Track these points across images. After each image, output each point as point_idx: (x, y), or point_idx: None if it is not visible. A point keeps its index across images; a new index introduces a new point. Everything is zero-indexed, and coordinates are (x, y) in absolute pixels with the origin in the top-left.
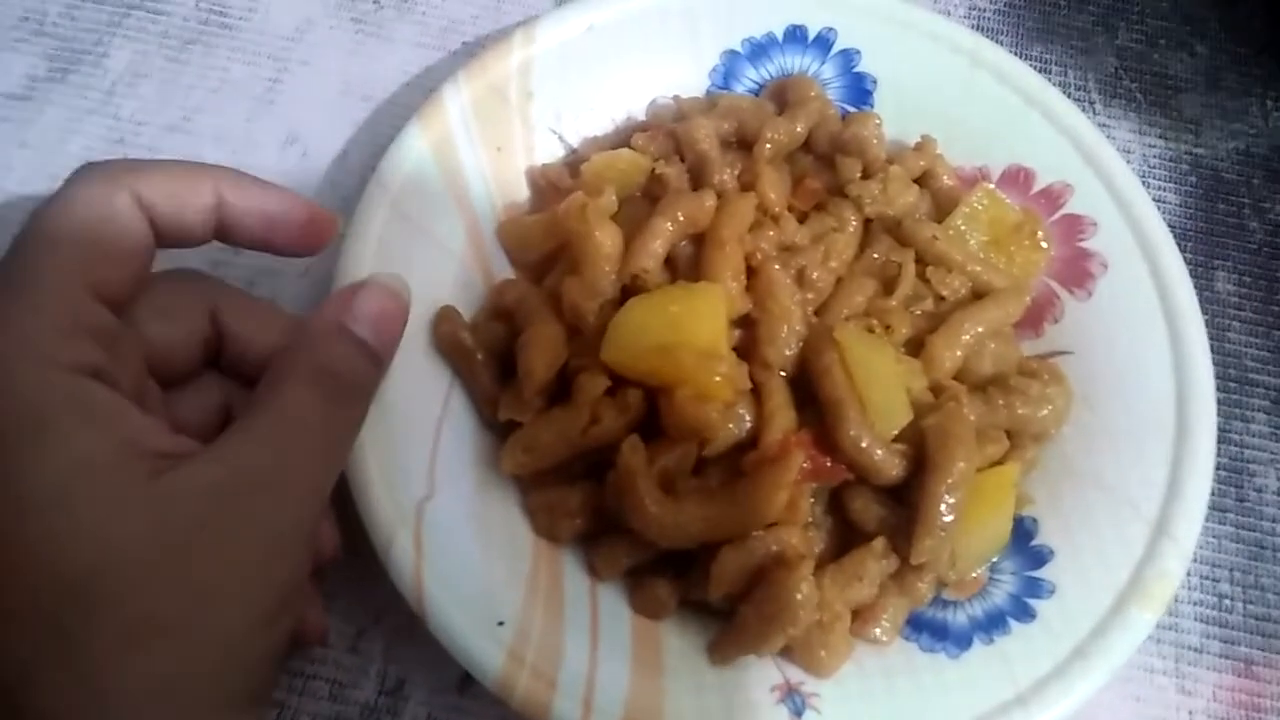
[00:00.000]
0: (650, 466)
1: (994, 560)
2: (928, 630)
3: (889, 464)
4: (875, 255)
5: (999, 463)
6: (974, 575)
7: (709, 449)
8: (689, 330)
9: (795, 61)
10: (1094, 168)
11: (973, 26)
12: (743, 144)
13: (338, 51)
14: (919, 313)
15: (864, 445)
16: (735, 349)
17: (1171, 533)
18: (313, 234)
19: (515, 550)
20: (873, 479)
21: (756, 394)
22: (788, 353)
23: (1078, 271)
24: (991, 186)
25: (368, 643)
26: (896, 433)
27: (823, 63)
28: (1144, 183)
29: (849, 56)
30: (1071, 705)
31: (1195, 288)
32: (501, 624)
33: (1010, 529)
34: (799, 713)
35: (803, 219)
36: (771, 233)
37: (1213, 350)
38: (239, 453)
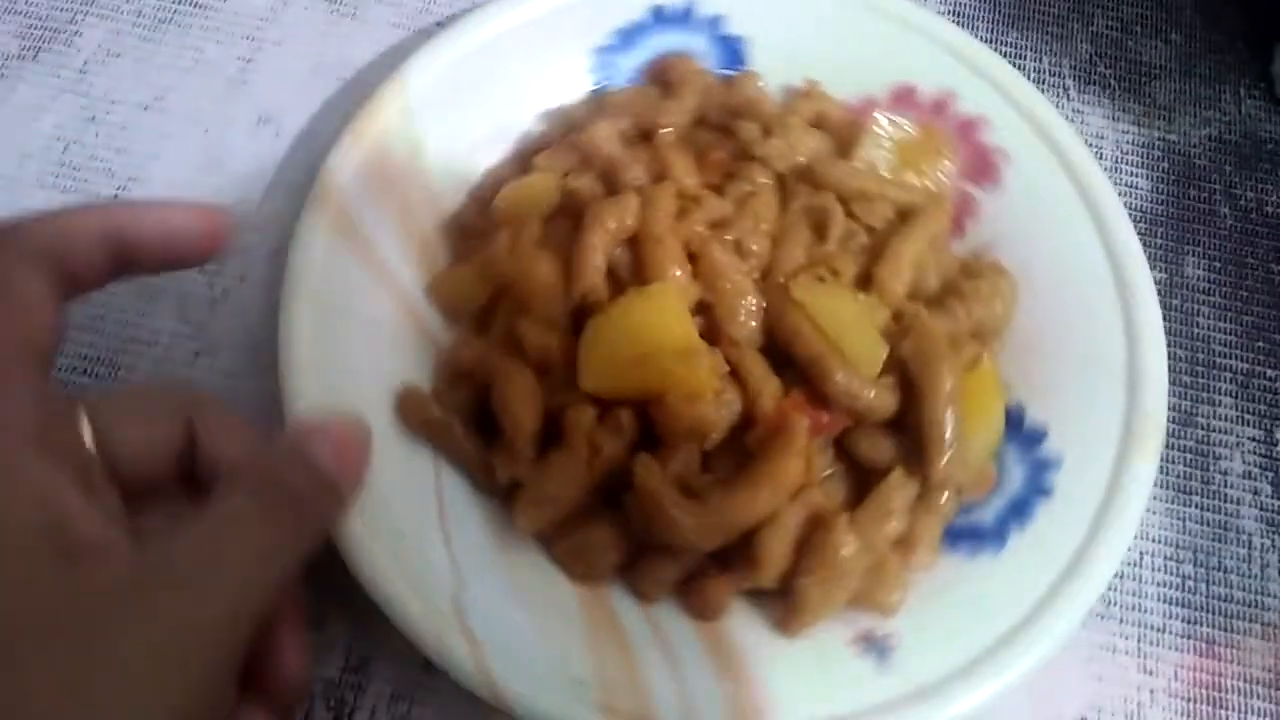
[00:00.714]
0: (666, 478)
1: (996, 450)
2: (965, 539)
3: (883, 401)
4: (798, 207)
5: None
6: (985, 472)
7: (709, 442)
8: (658, 335)
9: (666, 40)
10: (974, 70)
11: (948, 12)
12: (642, 136)
13: (312, 32)
14: (856, 249)
15: (855, 390)
16: (701, 336)
17: (1143, 374)
18: (216, 242)
19: (562, 605)
20: (871, 419)
21: (734, 373)
22: (753, 325)
23: (983, 166)
24: (883, 114)
25: (334, 621)
26: (880, 368)
27: (691, 35)
28: (1116, 169)
29: (715, 23)
30: (1111, 567)
31: (1165, 272)
32: (583, 684)
33: (1004, 419)
34: (885, 655)
35: (718, 192)
36: (698, 214)
37: (1181, 334)
38: (162, 548)
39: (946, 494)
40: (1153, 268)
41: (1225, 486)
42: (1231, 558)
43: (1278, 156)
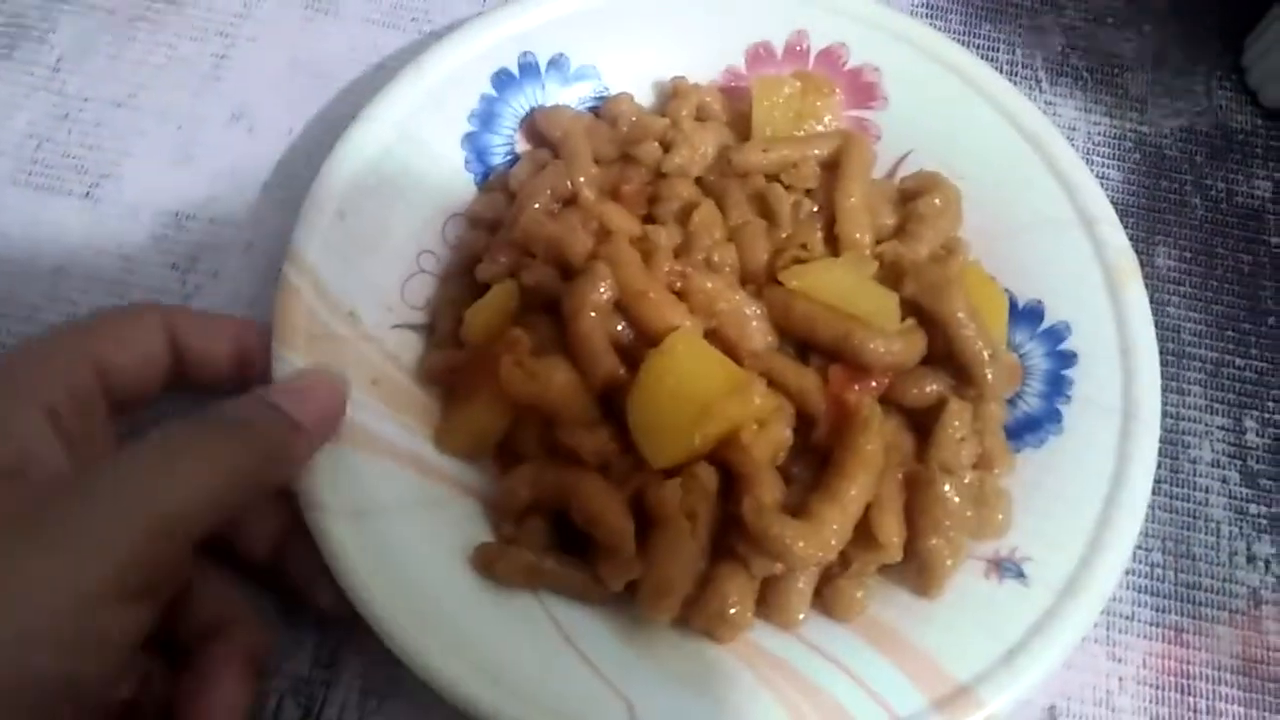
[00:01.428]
0: (780, 514)
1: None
2: (1026, 432)
3: (916, 344)
4: (736, 201)
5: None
6: (1012, 364)
7: (779, 459)
8: (704, 383)
9: (523, 100)
10: (822, 8)
11: (921, 4)
12: (564, 202)
13: (286, 28)
14: (807, 218)
15: (889, 348)
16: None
17: (1093, 213)
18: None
19: (728, 672)
20: (910, 365)
21: (771, 383)
22: (766, 333)
23: (863, 90)
24: (758, 79)
25: (303, 618)
26: (902, 318)
27: (544, 86)
28: (1088, 160)
29: (560, 63)
30: (1154, 383)
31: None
32: None
33: (1004, 299)
34: (1021, 574)
35: (651, 220)
36: (660, 253)
37: (1153, 324)
38: (98, 467)
39: (996, 400)
40: None
41: (1194, 475)
42: (1200, 545)
43: (1248, 147)
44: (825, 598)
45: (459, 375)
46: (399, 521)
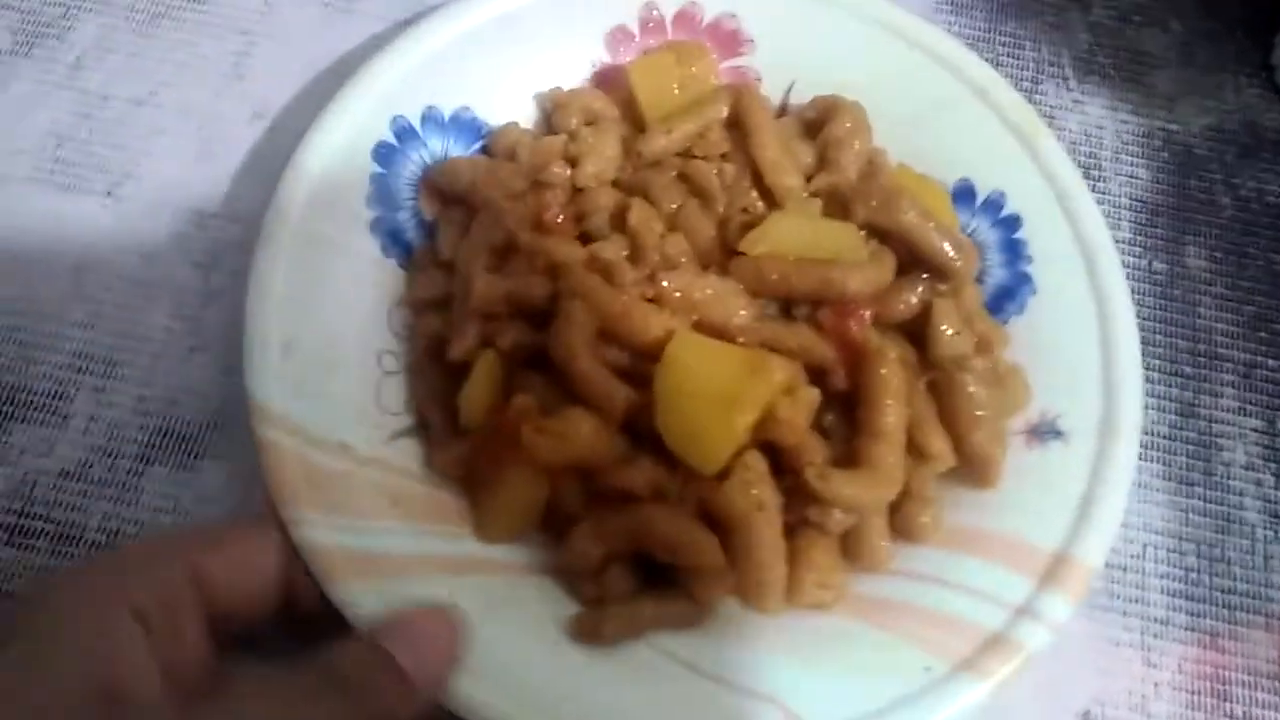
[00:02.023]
0: (841, 472)
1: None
2: (1005, 302)
3: (887, 266)
4: (661, 190)
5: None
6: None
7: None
8: (721, 378)
9: (410, 168)
10: None
11: (945, 3)
12: (500, 252)
13: (306, 26)
14: (735, 183)
15: (868, 278)
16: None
17: (992, 89)
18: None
19: (840, 634)
20: (888, 284)
21: (774, 350)
22: (744, 311)
23: (728, 39)
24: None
25: None
26: (865, 242)
27: (426, 144)
28: (1116, 159)
29: (434, 117)
30: (1107, 238)
31: (1166, 263)
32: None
33: (943, 189)
34: (1059, 432)
35: (587, 238)
36: (616, 267)
37: (1182, 325)
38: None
39: (969, 288)
40: (1153, 258)
41: (1228, 478)
42: (1235, 549)
43: (1278, 146)
44: (897, 526)
45: (476, 463)
46: (483, 628)
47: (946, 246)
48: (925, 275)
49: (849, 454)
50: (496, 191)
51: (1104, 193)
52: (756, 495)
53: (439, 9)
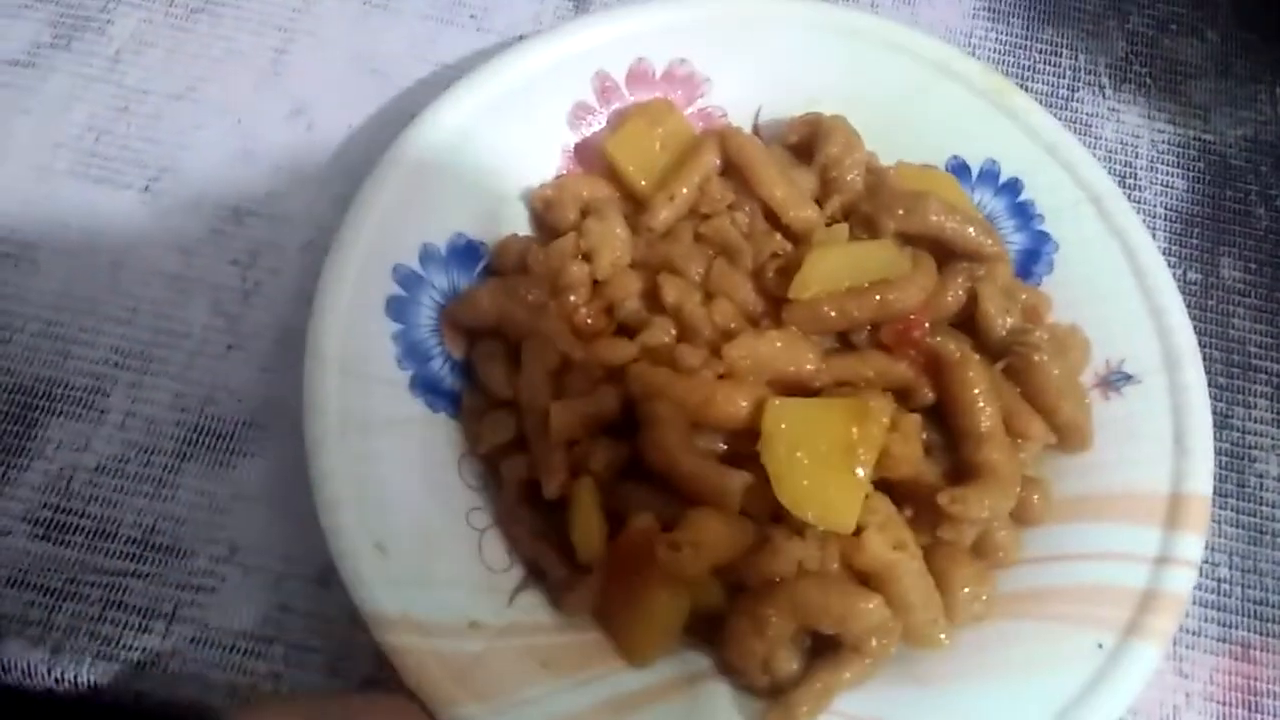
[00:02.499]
0: (967, 490)
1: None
2: (1032, 264)
3: (931, 271)
4: (686, 260)
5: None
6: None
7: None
8: (828, 435)
9: (423, 313)
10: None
11: (984, 8)
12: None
13: (344, 23)
14: (755, 230)
15: (919, 289)
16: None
17: (953, 61)
18: None
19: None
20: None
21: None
22: (811, 355)
23: (686, 85)
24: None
25: None
26: (902, 252)
27: (433, 284)
28: (1152, 168)
29: (431, 254)
30: (1096, 166)
31: (1200, 273)
32: None
33: (950, 176)
34: (1129, 376)
35: (624, 329)
36: (680, 353)
37: (1216, 336)
38: None
39: (1002, 267)
40: (1188, 268)
41: (1261, 489)
42: (1267, 561)
43: None
44: (1015, 514)
45: (611, 594)
46: None
47: (975, 233)
48: (962, 265)
49: (959, 464)
50: (525, 312)
51: (1139, 202)
52: (895, 538)
53: (392, 147)
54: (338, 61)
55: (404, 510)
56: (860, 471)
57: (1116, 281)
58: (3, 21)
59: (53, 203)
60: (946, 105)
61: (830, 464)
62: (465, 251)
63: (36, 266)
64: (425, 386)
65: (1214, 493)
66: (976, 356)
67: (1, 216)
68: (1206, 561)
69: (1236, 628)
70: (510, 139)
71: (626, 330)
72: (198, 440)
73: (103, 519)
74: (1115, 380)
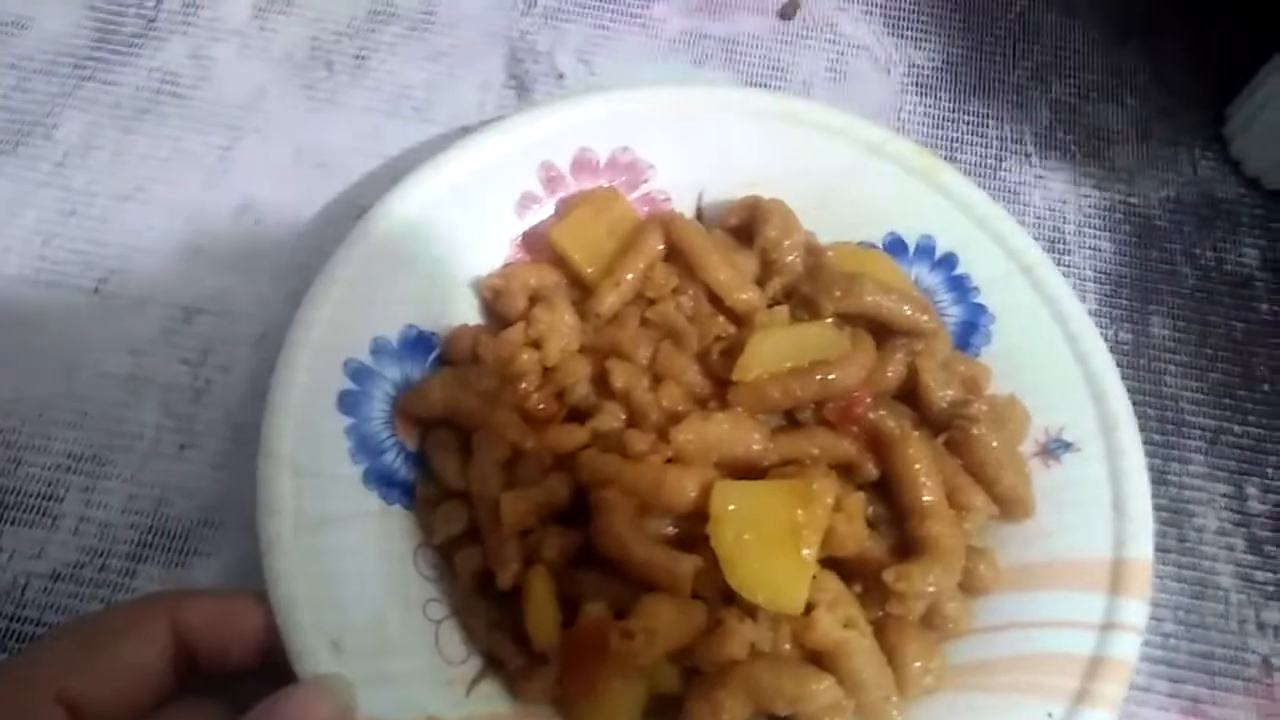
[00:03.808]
0: (911, 565)
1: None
2: (970, 336)
3: (870, 349)
4: (637, 345)
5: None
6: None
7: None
8: (774, 516)
9: (376, 406)
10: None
11: (911, 84)
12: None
13: (289, 118)
14: (698, 313)
15: (859, 367)
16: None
17: (889, 142)
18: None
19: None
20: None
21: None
22: (757, 435)
23: (629, 171)
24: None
25: None
26: (842, 332)
27: (384, 376)
28: (1080, 232)
29: (384, 346)
30: (1024, 236)
31: (1131, 333)
32: None
33: (882, 255)
34: (1067, 444)
35: (575, 414)
36: (629, 437)
37: (1149, 394)
38: None
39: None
40: (1119, 328)
41: (1200, 543)
42: (1211, 614)
43: (1235, 216)
44: (961, 584)
45: (567, 682)
46: None
47: (911, 311)
48: (900, 341)
49: (904, 538)
50: (477, 402)
51: (1069, 265)
52: (845, 615)
53: (344, 242)
54: (284, 157)
55: (360, 605)
56: (807, 552)
57: (1051, 349)
58: None
59: (3, 306)
60: (882, 184)
61: (777, 546)
62: (417, 342)
63: None
64: (379, 480)
65: (1155, 549)
66: (917, 433)
67: None
68: (1152, 618)
69: (1185, 682)
70: (459, 229)
71: (578, 415)
72: (152, 542)
73: (57, 628)
74: (1054, 448)
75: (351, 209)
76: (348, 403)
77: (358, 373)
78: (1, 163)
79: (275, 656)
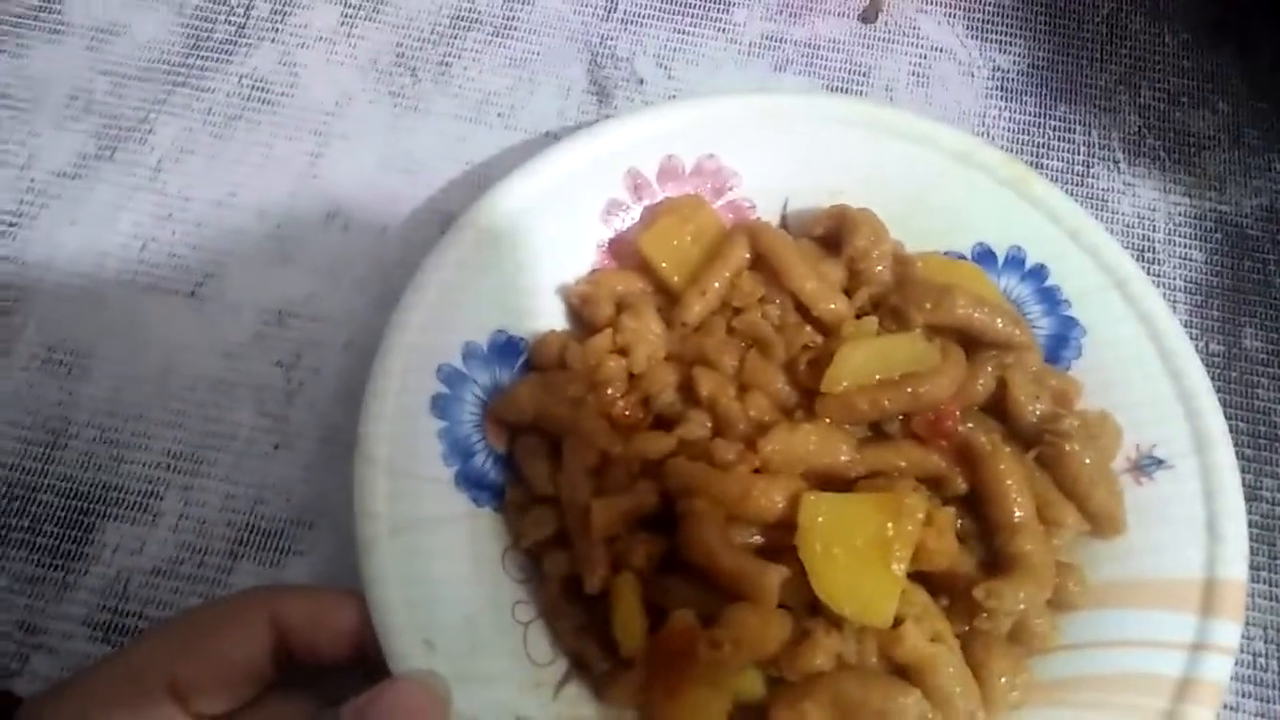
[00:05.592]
0: (1001, 582)
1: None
2: (1060, 350)
3: (959, 362)
4: (718, 353)
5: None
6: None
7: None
8: (863, 528)
9: (466, 410)
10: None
11: (996, 88)
12: (597, 471)
13: (377, 125)
14: (785, 323)
15: (949, 380)
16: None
17: (976, 152)
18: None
19: None
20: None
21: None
22: (845, 446)
23: (715, 178)
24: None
25: None
26: (931, 344)
27: (475, 381)
28: (1170, 241)
29: (474, 351)
30: (1120, 251)
31: (1223, 345)
32: None
33: (975, 267)
34: (1160, 461)
35: (661, 421)
36: (715, 447)
37: (1241, 407)
38: None
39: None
40: (1210, 339)
41: None
42: None
43: None
44: (1050, 600)
45: (653, 689)
46: None
47: (1003, 324)
48: (991, 353)
49: (994, 553)
50: (566, 410)
51: (1158, 275)
52: (932, 630)
53: (436, 248)
54: (370, 163)
55: (451, 607)
56: (897, 567)
57: (1144, 365)
58: (50, 135)
59: (102, 310)
60: (970, 194)
61: (866, 560)
62: (506, 347)
63: (89, 373)
64: (470, 482)
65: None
66: (1008, 449)
67: (53, 325)
68: (1242, 636)
69: (1274, 702)
70: (546, 236)
71: (663, 422)
72: (248, 540)
73: (159, 621)
74: (1146, 465)
75: (436, 215)
76: (440, 406)
77: (450, 377)
78: (101, 168)
79: (366, 652)
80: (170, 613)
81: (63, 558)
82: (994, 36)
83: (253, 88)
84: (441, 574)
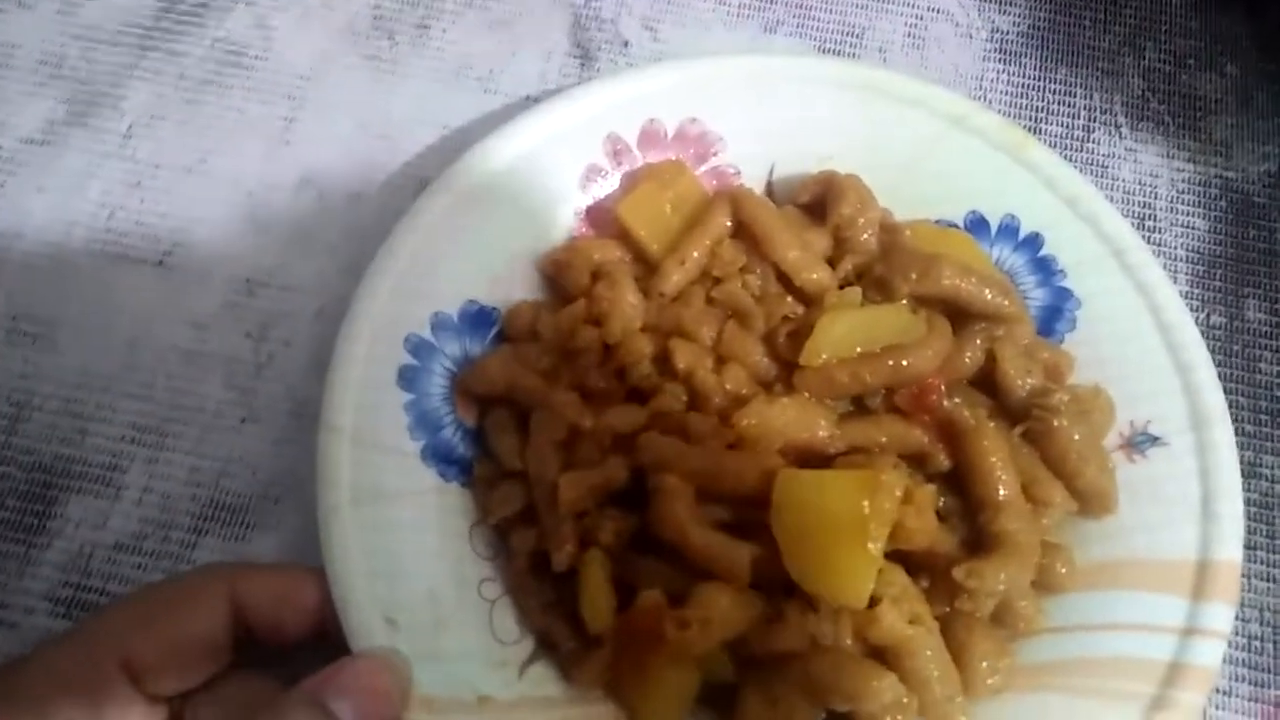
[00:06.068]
0: (984, 562)
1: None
2: (1055, 322)
3: (945, 334)
4: (695, 323)
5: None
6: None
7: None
8: (839, 504)
9: (435, 381)
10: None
11: (994, 50)
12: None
13: (352, 89)
14: (766, 292)
15: (934, 353)
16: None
17: (972, 116)
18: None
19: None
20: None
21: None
22: (824, 421)
23: (698, 143)
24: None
25: None
26: (917, 315)
27: (444, 352)
28: (1172, 208)
29: (444, 322)
30: (1119, 220)
31: (1225, 316)
32: None
33: (965, 236)
34: (1154, 437)
35: (635, 394)
36: (691, 420)
37: (1242, 381)
38: None
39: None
40: (1211, 311)
41: None
42: None
43: None
44: (1037, 582)
45: (620, 668)
46: None
47: (992, 295)
48: (979, 325)
49: (976, 532)
50: (537, 380)
51: (1159, 244)
52: (910, 611)
53: (406, 214)
54: (346, 128)
55: (415, 582)
56: (872, 546)
57: (1141, 339)
58: (19, 100)
59: (69, 280)
60: (964, 160)
61: (842, 537)
62: (477, 318)
63: (54, 344)
64: (437, 456)
65: (1244, 545)
66: (992, 424)
67: (19, 294)
68: (1237, 619)
69: (1269, 686)
70: (522, 203)
71: (638, 395)
72: (213, 515)
73: (122, 596)
74: (1140, 442)
75: (412, 181)
76: (408, 378)
77: (418, 348)
78: (70, 134)
79: (329, 631)
80: (132, 588)
81: (25, 531)
82: None
83: (226, 51)
84: (405, 548)
